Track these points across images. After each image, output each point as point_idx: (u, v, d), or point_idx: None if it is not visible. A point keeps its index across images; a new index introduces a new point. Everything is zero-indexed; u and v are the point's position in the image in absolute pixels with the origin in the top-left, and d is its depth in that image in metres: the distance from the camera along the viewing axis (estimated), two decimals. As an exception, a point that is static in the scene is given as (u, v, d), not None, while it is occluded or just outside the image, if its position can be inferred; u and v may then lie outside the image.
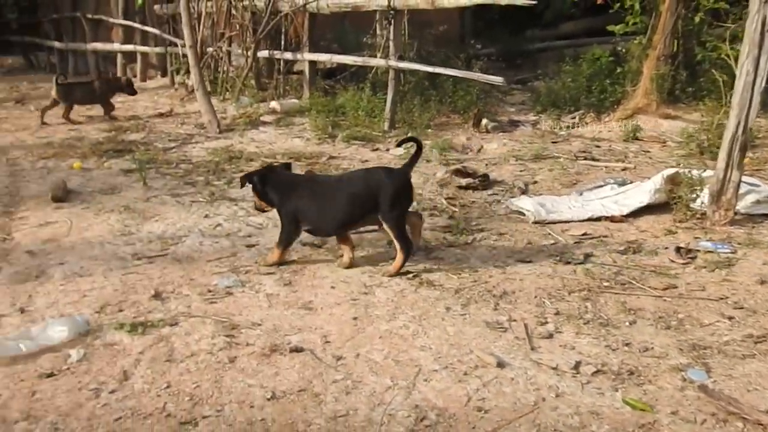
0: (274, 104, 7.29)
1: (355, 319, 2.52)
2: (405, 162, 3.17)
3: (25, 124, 7.03)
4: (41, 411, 1.91)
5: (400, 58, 6.33)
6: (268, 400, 1.97)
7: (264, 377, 2.10)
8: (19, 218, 3.79)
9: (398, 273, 2.93)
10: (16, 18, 16.40)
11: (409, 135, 3.21)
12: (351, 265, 3.03)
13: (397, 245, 2.92)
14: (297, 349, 2.28)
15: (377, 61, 6.73)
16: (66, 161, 5.21)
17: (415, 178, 4.65)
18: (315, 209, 3.03)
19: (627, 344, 2.30)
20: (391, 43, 6.33)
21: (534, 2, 5.25)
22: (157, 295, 2.73)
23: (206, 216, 3.84)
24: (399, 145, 3.87)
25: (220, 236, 3.50)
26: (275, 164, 3.72)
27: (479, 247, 3.31)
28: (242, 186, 3.28)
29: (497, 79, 5.79)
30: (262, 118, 6.95)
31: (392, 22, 6.23)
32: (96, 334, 2.38)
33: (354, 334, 2.40)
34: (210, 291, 2.80)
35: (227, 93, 8.08)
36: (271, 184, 3.10)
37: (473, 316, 2.53)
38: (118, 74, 11.12)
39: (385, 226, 2.94)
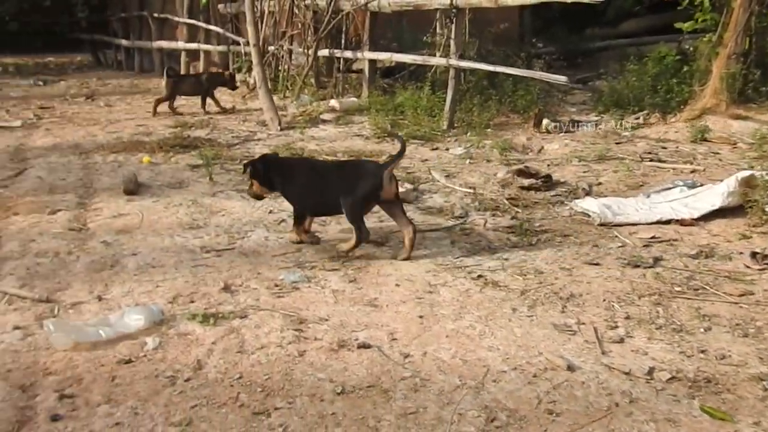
0: (333, 102, 7.36)
1: (420, 317, 2.53)
2: (387, 160, 3.33)
3: (96, 119, 7.31)
4: (121, 395, 1.99)
5: (461, 57, 6.30)
6: (338, 394, 2.00)
7: (333, 372, 2.13)
8: (94, 210, 3.93)
9: (348, 252, 3.14)
10: (86, 17, 17.00)
11: (394, 132, 3.46)
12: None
13: (354, 229, 3.14)
14: (364, 345, 2.30)
15: (437, 60, 6.73)
16: (135, 156, 5.38)
17: (476, 178, 4.66)
18: (308, 191, 3.30)
19: (702, 351, 2.23)
20: (452, 42, 6.31)
21: (601, 0, 5.15)
22: (226, 288, 2.79)
23: (270, 212, 3.91)
24: (388, 136, 4.08)
25: (284, 232, 3.55)
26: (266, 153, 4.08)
27: (544, 249, 3.27)
28: (244, 172, 3.51)
29: (561, 78, 5.70)
30: (321, 116, 7.03)
31: (454, 20, 6.21)
32: (170, 324, 2.45)
33: (420, 333, 2.40)
34: (277, 285, 2.85)
35: (288, 91, 8.20)
36: (272, 169, 3.37)
37: (540, 318, 2.50)
38: (182, 72, 11.42)
39: (342, 208, 3.15)
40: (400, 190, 4.12)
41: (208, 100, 7.59)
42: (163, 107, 7.57)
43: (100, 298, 2.68)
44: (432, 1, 6.53)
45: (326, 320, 2.51)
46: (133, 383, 2.06)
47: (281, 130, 6.46)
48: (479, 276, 2.92)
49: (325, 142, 5.96)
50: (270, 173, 3.37)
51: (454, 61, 6.24)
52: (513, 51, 7.99)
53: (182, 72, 10.12)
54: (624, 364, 2.14)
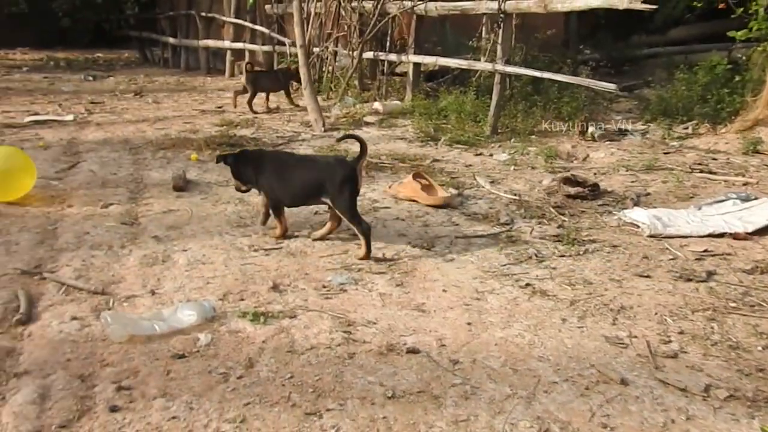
0: (377, 105, 7.38)
1: (469, 324, 2.52)
2: (354, 157, 3.40)
3: (145, 116, 7.46)
4: (176, 390, 2.02)
5: (507, 63, 6.26)
6: (389, 398, 2.00)
7: (383, 375, 2.14)
8: (144, 204, 4.02)
9: (367, 256, 3.19)
10: (135, 14, 17.38)
11: (350, 132, 3.61)
12: (322, 238, 3.43)
13: (354, 228, 3.25)
14: (413, 350, 2.30)
15: (483, 65, 6.70)
16: (183, 152, 5.48)
17: (521, 184, 4.63)
18: (278, 183, 3.42)
19: (761, 370, 2.18)
20: (498, 47, 6.28)
21: (655, 6, 5.06)
22: (275, 287, 2.82)
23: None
24: (339, 140, 4.21)
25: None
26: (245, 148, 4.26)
27: (592, 259, 3.23)
28: (217, 163, 3.69)
29: (609, 86, 5.63)
30: (365, 119, 7.06)
31: (501, 25, 6.18)
32: (221, 321, 2.49)
33: (469, 340, 2.39)
34: (324, 286, 2.87)
35: (331, 92, 8.26)
36: (243, 162, 3.51)
37: (591, 330, 2.47)
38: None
39: (336, 210, 3.31)
40: (445, 194, 4.17)
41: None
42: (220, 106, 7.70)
43: (153, 293, 2.74)
44: (479, 6, 6.50)
45: (374, 323, 2.52)
46: (188, 378, 2.09)
47: (325, 131, 6.51)
48: (527, 284, 2.90)
49: (369, 145, 5.96)
50: (241, 167, 3.52)
51: (500, 67, 6.21)
52: (558, 57, 7.92)
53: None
54: (679, 380, 2.10)
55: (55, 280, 2.80)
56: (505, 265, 3.15)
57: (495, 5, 6.16)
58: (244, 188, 3.65)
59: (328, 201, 3.32)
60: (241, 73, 11.58)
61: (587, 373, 2.16)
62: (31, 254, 3.13)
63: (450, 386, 2.08)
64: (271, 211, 3.51)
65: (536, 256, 3.27)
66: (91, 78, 11.54)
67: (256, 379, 2.10)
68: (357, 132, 6.50)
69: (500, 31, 6.23)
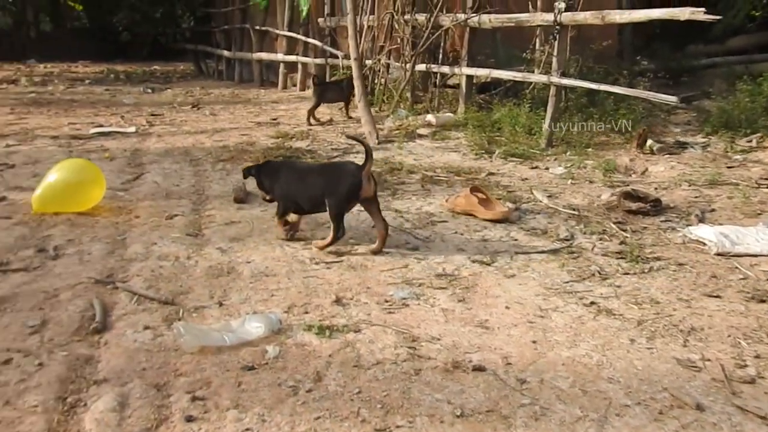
0: (429, 117, 7.40)
1: (534, 342, 2.50)
2: (360, 163, 3.47)
3: (203, 128, 7.65)
4: (248, 401, 2.06)
5: (563, 75, 6.20)
6: (458, 417, 2.00)
7: (450, 393, 2.14)
8: (207, 216, 4.11)
9: (324, 249, 3.44)
10: (190, 28, 17.85)
11: (358, 137, 3.77)
12: (379, 250, 3.50)
13: (332, 225, 3.43)
14: (479, 368, 2.29)
15: (538, 77, 6.65)
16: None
17: (579, 199, 4.57)
18: (292, 191, 3.60)
19: (844, 399, 2.10)
20: (554, 59, 6.23)
21: (718, 17, 4.95)
22: (338, 301, 2.85)
23: (373, 226, 3.96)
24: (347, 137, 4.34)
25: (389, 246, 3.59)
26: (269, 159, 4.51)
27: (658, 277, 3.16)
28: (245, 177, 3.84)
29: (670, 99, 5.51)
30: (417, 131, 7.09)
31: (557, 37, 6.13)
32: (287, 333, 2.53)
33: (535, 358, 2.37)
34: (387, 301, 2.88)
35: (384, 105, 8.31)
36: (264, 173, 3.70)
37: (661, 351, 2.42)
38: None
39: (327, 209, 3.44)
40: (503, 209, 4.15)
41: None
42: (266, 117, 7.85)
43: (220, 304, 2.80)
44: (535, 18, 6.46)
45: (438, 339, 2.52)
46: (258, 390, 2.13)
47: (378, 143, 6.55)
48: (592, 302, 2.86)
49: (422, 158, 6.00)
50: (262, 177, 3.70)
51: (555, 79, 6.16)
52: (614, 68, 7.80)
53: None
54: (759, 407, 2.04)
55: (127, 289, 2.90)
56: (567, 282, 3.11)
57: (551, 17, 6.12)
58: (268, 198, 3.80)
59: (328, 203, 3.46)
60: (294, 85, 11.85)
61: (660, 396, 2.11)
62: (103, 264, 3.24)
63: (519, 406, 2.07)
64: (277, 214, 3.69)
65: (599, 273, 3.22)
66: (149, 90, 11.90)
67: (324, 393, 2.13)
68: (410, 144, 6.54)
69: (556, 43, 6.18)
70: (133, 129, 7.38)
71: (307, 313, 2.74)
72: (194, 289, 2.96)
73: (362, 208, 3.62)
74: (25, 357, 2.28)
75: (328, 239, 3.45)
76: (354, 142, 6.63)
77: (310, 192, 3.52)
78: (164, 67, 18.46)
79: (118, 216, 4.05)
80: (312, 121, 7.80)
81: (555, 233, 3.85)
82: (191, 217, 4.07)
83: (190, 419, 1.96)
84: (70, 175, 4.02)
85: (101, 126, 7.59)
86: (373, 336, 2.54)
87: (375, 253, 3.45)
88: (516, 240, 3.75)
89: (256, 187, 3.81)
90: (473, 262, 3.38)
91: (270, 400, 2.07)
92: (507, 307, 2.83)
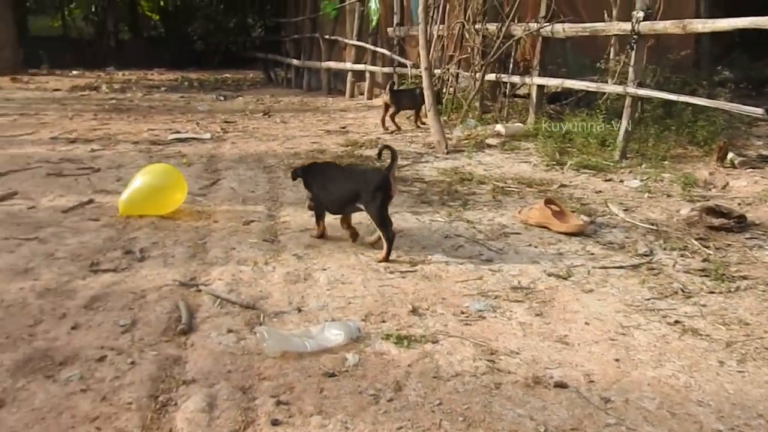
0: (499, 127, 7.34)
1: (617, 360, 2.44)
2: (386, 166, 3.62)
3: (274, 135, 7.82)
4: (331, 408, 2.09)
5: (640, 85, 6.05)
6: (541, 433, 1.98)
7: (532, 409, 2.11)
8: (282, 222, 4.20)
9: (385, 259, 3.49)
10: (261, 37, 18.31)
11: (386, 145, 3.81)
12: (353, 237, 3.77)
13: (381, 235, 3.52)
14: (561, 385, 2.25)
15: (613, 87, 6.50)
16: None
17: (657, 213, 4.44)
18: (324, 192, 3.76)
19: None
20: (630, 69, 6.08)
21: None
22: (414, 311, 2.86)
23: (446, 236, 3.97)
24: (378, 155, 4.19)
25: (463, 257, 3.59)
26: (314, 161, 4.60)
27: (746, 297, 3.04)
28: (293, 179, 3.98)
29: (755, 110, 5.28)
30: (486, 141, 7.04)
31: (634, 47, 5.99)
32: (366, 342, 2.55)
33: (619, 377, 2.32)
34: (463, 312, 2.87)
35: (452, 114, 8.30)
36: (308, 174, 3.85)
37: (753, 375, 2.33)
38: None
39: (367, 213, 3.56)
40: (579, 222, 4.08)
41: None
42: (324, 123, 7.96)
43: (299, 310, 2.85)
44: (611, 27, 6.33)
45: (517, 354, 2.50)
46: (340, 397, 2.16)
47: (448, 153, 6.55)
48: (676, 321, 2.78)
49: (492, 168, 5.96)
50: (308, 178, 3.86)
51: (631, 89, 6.01)
52: (692, 78, 7.56)
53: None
54: None
55: (210, 293, 2.98)
56: (649, 299, 3.03)
57: (628, 26, 5.99)
58: (310, 202, 3.93)
59: (362, 207, 3.57)
60: (361, 94, 11.98)
61: (755, 423, 2.03)
62: (186, 267, 3.35)
63: (604, 426, 2.02)
64: (314, 215, 3.87)
65: (682, 291, 3.12)
66: (222, 98, 12.24)
67: (405, 403, 2.14)
68: (480, 154, 6.51)
69: (632, 53, 6.03)
70: (208, 135, 7.61)
71: (384, 322, 2.76)
72: (273, 294, 3.03)
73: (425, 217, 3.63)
74: (118, 355, 2.38)
75: (384, 250, 3.50)
76: (421, 152, 6.67)
77: (340, 195, 3.67)
78: (235, 75, 18.97)
79: (198, 220, 4.18)
80: (391, 127, 7.89)
81: (633, 248, 3.75)
82: (267, 223, 4.16)
83: (275, 423, 2.00)
84: (155, 180, 4.17)
85: (178, 132, 7.86)
86: (451, 347, 2.53)
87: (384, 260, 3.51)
88: (592, 254, 3.68)
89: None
90: (549, 275, 3.33)
91: (352, 408, 2.10)
92: (586, 323, 2.77)
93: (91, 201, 4.56)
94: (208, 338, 2.55)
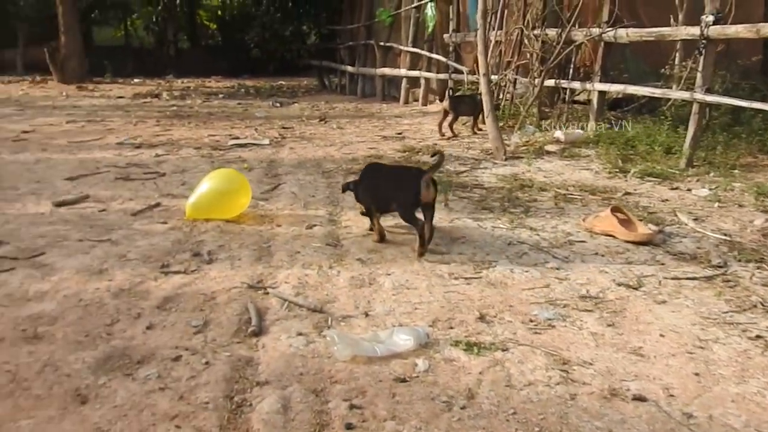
0: (558, 134, 7.23)
1: (696, 374, 2.36)
2: (426, 168, 3.72)
3: (331, 140, 7.89)
4: (404, 414, 2.08)
5: (708, 91, 5.87)
6: (622, 447, 1.92)
7: (610, 422, 2.05)
8: (344, 227, 4.22)
9: (424, 252, 3.62)
10: (316, 44, 18.54)
11: (437, 149, 4.17)
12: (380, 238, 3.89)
13: (412, 228, 3.65)
14: (640, 398, 2.18)
15: (679, 93, 6.33)
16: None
17: (729, 224, 4.29)
18: (367, 191, 3.94)
19: None
20: (699, 75, 5.91)
21: None
22: (482, 318, 2.83)
23: (510, 243, 3.91)
24: (433, 156, 4.22)
25: (528, 265, 3.53)
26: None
27: (832, 312, 2.90)
28: (343, 191, 4.20)
29: (833, 118, 5.07)
30: (545, 148, 6.95)
31: (703, 52, 5.81)
32: (435, 348, 2.53)
33: (700, 392, 2.23)
34: (531, 321, 2.82)
35: (510, 120, 8.22)
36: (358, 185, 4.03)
37: None
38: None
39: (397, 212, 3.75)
40: (647, 231, 3.97)
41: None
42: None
43: (366, 314, 2.85)
44: (678, 32, 6.17)
45: (591, 364, 2.43)
46: (412, 403, 2.14)
47: (506, 159, 6.49)
48: (757, 336, 2.66)
49: (552, 175, 5.87)
50: (357, 191, 4.03)
51: (699, 95, 5.83)
52: (761, 84, 7.28)
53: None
54: None
55: (278, 296, 3.01)
56: (726, 312, 2.92)
57: (696, 31, 5.82)
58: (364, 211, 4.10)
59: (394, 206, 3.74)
60: (415, 100, 11.99)
61: None
62: (252, 269, 3.39)
63: (688, 441, 1.95)
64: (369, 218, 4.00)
65: (762, 304, 2.99)
66: (278, 104, 12.44)
67: (479, 411, 2.11)
68: (539, 161, 6.42)
69: (701, 58, 5.86)
70: (266, 141, 7.73)
71: (451, 328, 2.73)
72: (339, 298, 3.03)
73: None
74: (192, 355, 2.42)
75: (418, 243, 3.63)
76: (479, 158, 6.62)
77: (382, 193, 3.82)
78: (289, 82, 19.26)
79: (262, 224, 4.24)
80: (448, 133, 7.87)
81: (706, 259, 3.62)
82: (329, 228, 4.18)
83: (349, 427, 2.00)
84: (221, 184, 4.25)
85: (237, 138, 8.01)
86: (521, 356, 2.49)
87: (420, 255, 3.62)
88: (663, 264, 3.57)
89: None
90: (619, 285, 3.25)
91: (425, 414, 2.08)
92: (661, 335, 2.69)
93: (158, 204, 4.68)
94: (279, 340, 2.57)
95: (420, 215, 3.68)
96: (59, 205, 4.59)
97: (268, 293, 3.07)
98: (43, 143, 7.52)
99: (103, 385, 2.19)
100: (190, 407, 2.07)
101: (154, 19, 26.03)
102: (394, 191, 3.71)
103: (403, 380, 2.29)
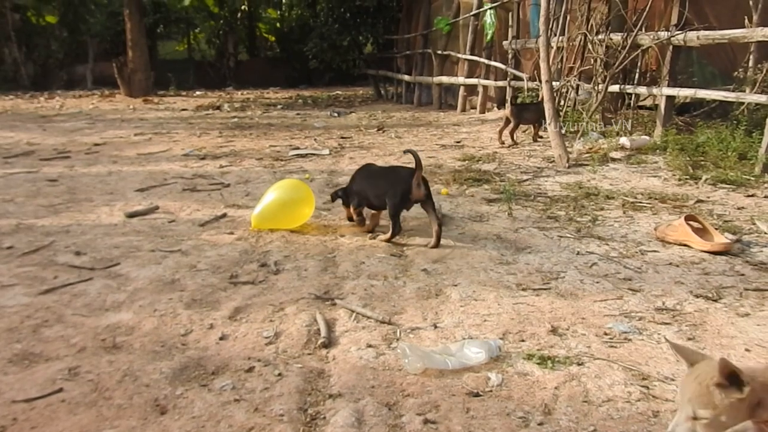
0: (623, 140, 7.04)
1: (788, 392, 2.23)
2: (415, 167, 3.96)
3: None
4: (479, 429, 2.04)
5: (785, 94, 5.61)
6: (712, 469, 1.82)
7: (697, 441, 1.96)
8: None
9: (388, 241, 4.02)
10: (372, 54, 18.66)
11: (409, 149, 4.28)
12: (371, 230, 4.30)
13: (391, 223, 3.99)
14: (728, 417, 2.08)
15: (755, 97, 6.06)
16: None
17: (813, 232, 4.07)
18: (361, 189, 4.23)
19: None
20: (775, 77, 5.66)
21: None
22: (554, 331, 2.76)
23: (578, 253, 3.82)
24: (405, 152, 4.57)
25: (598, 276, 3.44)
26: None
27: None
28: (332, 200, 4.50)
29: None
30: (610, 154, 6.78)
31: (779, 53, 5.57)
32: (507, 361, 2.48)
33: (793, 412, 2.11)
34: (606, 334, 2.74)
35: (573, 127, 8.07)
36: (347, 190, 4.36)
37: None
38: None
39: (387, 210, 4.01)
40: (724, 240, 3.80)
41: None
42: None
43: (435, 326, 2.82)
44: (753, 34, 5.91)
45: (672, 380, 2.34)
46: (487, 418, 2.10)
47: (569, 167, 6.36)
48: None
49: (619, 182, 5.71)
50: (345, 196, 4.36)
51: (776, 99, 5.58)
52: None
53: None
54: None
55: (346, 306, 3.02)
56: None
57: (773, 31, 5.58)
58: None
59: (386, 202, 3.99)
60: (473, 108, 11.90)
61: None
62: (319, 280, 3.41)
63: (783, 465, 1.84)
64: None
65: None
66: (336, 114, 12.56)
67: (557, 427, 2.05)
68: (604, 168, 6.26)
69: (777, 60, 5.61)
70: (326, 151, 7.80)
71: (523, 341, 2.68)
72: (407, 309, 3.01)
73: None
74: (265, 366, 2.44)
75: (389, 234, 4.01)
76: (541, 166, 6.51)
77: (376, 191, 4.09)
78: (345, 92, 19.46)
79: (325, 234, 4.26)
80: (508, 141, 7.79)
81: (789, 270, 3.45)
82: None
83: (425, 441, 1.97)
84: (285, 195, 4.31)
85: (298, 148, 8.11)
86: (598, 371, 2.41)
87: (433, 247, 3.92)
88: (743, 275, 3.41)
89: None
90: (696, 297, 3.12)
91: (501, 430, 2.03)
92: (747, 350, 2.56)
93: (224, 215, 4.77)
94: (348, 352, 2.57)
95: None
96: (131, 216, 4.73)
97: (335, 304, 3.07)
98: (114, 155, 7.80)
99: (180, 395, 2.22)
100: (265, 419, 2.08)
101: (215, 33, 26.76)
102: (387, 189, 3.97)
103: (477, 394, 2.25)
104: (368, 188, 4.16)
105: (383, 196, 4.01)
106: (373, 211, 4.33)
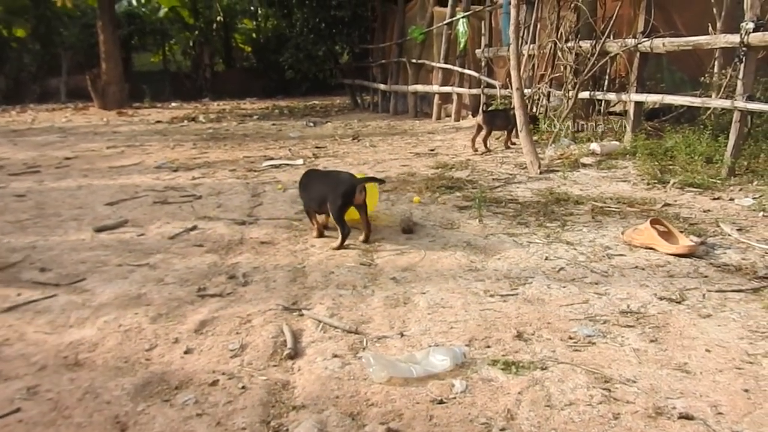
0: (594, 146, 7.13)
1: (746, 391, 2.27)
2: (362, 178, 4.24)
3: (364, 159, 7.92)
4: (441, 437, 2.04)
5: (749, 99, 5.71)
6: (669, 470, 1.85)
7: (656, 443, 1.98)
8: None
9: (339, 249, 4.10)
10: (348, 63, 18.70)
11: (371, 176, 4.59)
12: (321, 234, 4.44)
13: (338, 228, 4.11)
14: (686, 416, 2.11)
15: (719, 102, 6.18)
16: (404, 195, 5.70)
17: (776, 233, 4.15)
18: (306, 192, 4.43)
19: None
20: (739, 83, 5.76)
21: None
22: (519, 336, 2.78)
23: (546, 258, 3.85)
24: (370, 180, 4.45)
25: (565, 281, 3.47)
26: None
27: None
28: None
29: None
30: (581, 160, 6.85)
31: (743, 59, 5.67)
32: (472, 368, 2.49)
33: (750, 409, 2.15)
34: (571, 338, 2.76)
35: (544, 134, 8.15)
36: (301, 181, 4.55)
37: None
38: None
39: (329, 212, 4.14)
40: (689, 242, 3.86)
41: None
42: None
43: (401, 334, 2.82)
44: (716, 40, 6.03)
45: (634, 382, 2.36)
46: (450, 425, 2.11)
47: (540, 173, 6.42)
48: (812, 352, 2.56)
49: (589, 188, 5.78)
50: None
51: (740, 103, 5.68)
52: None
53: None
54: None
55: (313, 317, 3.01)
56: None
57: (736, 38, 5.68)
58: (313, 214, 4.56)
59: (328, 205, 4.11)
60: (447, 116, 11.97)
61: None
62: (287, 291, 3.40)
63: (739, 464, 1.87)
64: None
65: (813, 318, 2.88)
66: (311, 124, 12.56)
67: (518, 433, 2.06)
68: (575, 174, 6.33)
69: (741, 66, 5.72)
70: (300, 161, 7.80)
71: (488, 347, 2.69)
72: (374, 318, 3.01)
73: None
74: (229, 379, 2.43)
75: (339, 240, 4.12)
76: (513, 173, 6.56)
77: (318, 194, 4.22)
78: (322, 102, 19.49)
79: (296, 245, 4.25)
80: (481, 148, 7.83)
81: (751, 270, 3.52)
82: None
83: (388, 451, 1.97)
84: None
85: (272, 159, 8.10)
86: (561, 375, 2.43)
87: (364, 241, 4.22)
88: (706, 277, 3.47)
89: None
90: (660, 299, 3.16)
91: (463, 437, 2.04)
92: (707, 350, 2.60)
93: (195, 227, 4.74)
94: (314, 363, 2.56)
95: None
96: (99, 230, 4.69)
97: (303, 315, 3.07)
98: (85, 169, 7.72)
99: (141, 411, 2.20)
100: (227, 432, 2.07)
101: (191, 44, 26.65)
102: (328, 193, 4.10)
103: (441, 402, 2.26)
104: (311, 193, 4.30)
105: (325, 199, 4.13)
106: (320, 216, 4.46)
